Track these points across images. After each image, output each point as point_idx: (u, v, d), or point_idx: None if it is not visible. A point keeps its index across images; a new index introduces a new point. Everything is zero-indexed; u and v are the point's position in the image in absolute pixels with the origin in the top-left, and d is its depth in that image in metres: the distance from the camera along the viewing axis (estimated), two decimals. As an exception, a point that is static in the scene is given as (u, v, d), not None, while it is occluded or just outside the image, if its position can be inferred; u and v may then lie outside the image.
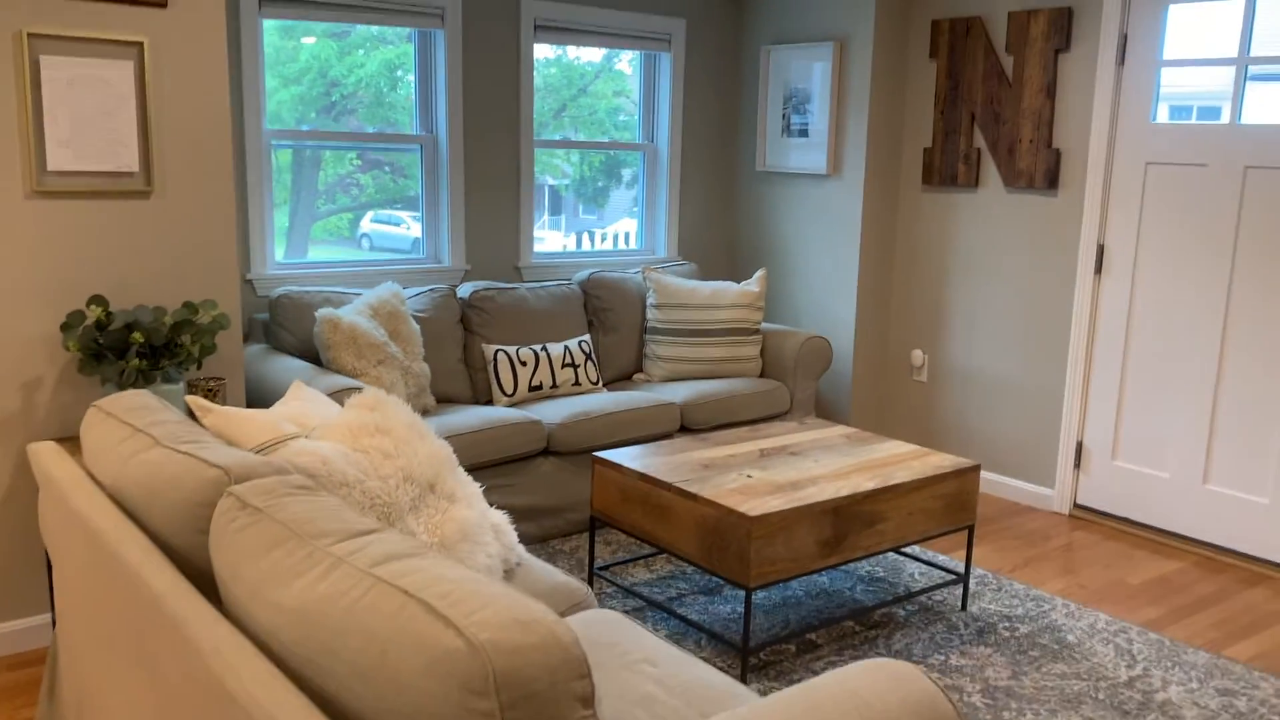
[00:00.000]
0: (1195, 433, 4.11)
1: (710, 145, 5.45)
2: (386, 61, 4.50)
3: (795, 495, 2.98)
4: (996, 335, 4.71)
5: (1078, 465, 4.51)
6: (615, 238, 5.41)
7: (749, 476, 3.14)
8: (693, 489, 2.99)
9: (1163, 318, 4.17)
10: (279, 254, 4.31)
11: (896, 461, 3.38)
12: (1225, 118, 3.94)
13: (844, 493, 3.04)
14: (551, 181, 5.20)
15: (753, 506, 2.86)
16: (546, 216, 5.22)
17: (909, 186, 4.99)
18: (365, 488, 2.02)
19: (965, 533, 3.99)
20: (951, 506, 3.35)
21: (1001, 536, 4.26)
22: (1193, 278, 4.06)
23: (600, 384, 4.45)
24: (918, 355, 5.03)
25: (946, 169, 4.80)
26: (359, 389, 3.40)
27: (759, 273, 4.79)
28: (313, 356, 3.86)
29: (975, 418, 4.83)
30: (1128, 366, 4.30)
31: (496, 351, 4.21)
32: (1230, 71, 3.93)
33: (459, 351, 4.23)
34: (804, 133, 5.10)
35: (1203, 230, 4.02)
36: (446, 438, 3.62)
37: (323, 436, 2.18)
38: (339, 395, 3.33)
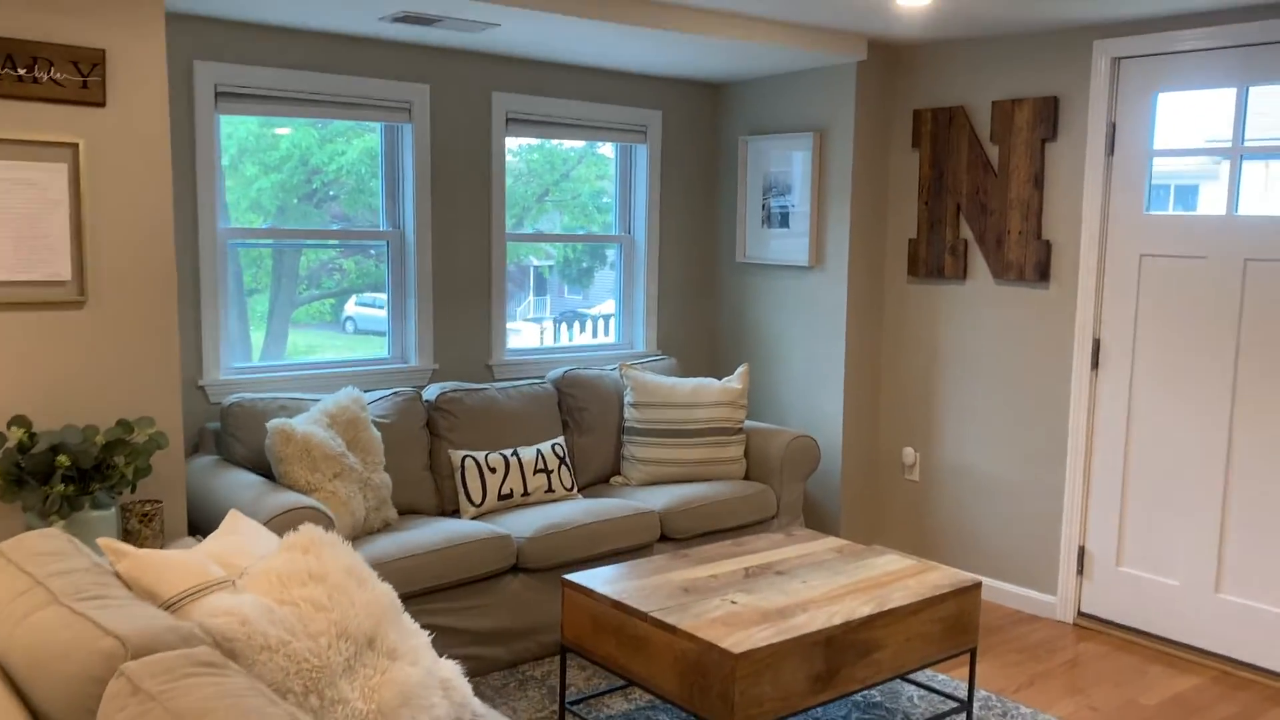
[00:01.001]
0: (1205, 537, 3.88)
1: (688, 236, 5.30)
2: (368, 149, 4.34)
3: (784, 625, 2.73)
4: (991, 432, 4.50)
5: (1080, 571, 4.26)
6: (595, 326, 5.23)
7: (733, 603, 2.88)
8: (671, 619, 2.73)
9: (1166, 414, 3.97)
10: (257, 341, 4.10)
11: (892, 580, 3.13)
12: (1204, 204, 3.79)
13: (837, 620, 2.78)
14: (536, 263, 5.03)
15: (737, 641, 2.60)
16: (531, 298, 5.05)
17: (894, 278, 4.83)
18: (291, 650, 1.77)
19: (967, 655, 3.73)
20: (952, 629, 3.10)
21: (1004, 650, 3.99)
22: (1196, 373, 3.88)
23: (575, 489, 4.20)
24: (909, 453, 4.81)
25: (933, 260, 4.63)
26: (310, 509, 3.14)
27: (741, 368, 4.59)
28: (266, 468, 3.61)
29: (971, 519, 4.60)
30: (1130, 466, 4.09)
31: (464, 458, 3.97)
32: (1217, 157, 3.80)
33: (424, 458, 4.00)
34: (785, 224, 4.95)
35: (1204, 324, 3.84)
36: (405, 558, 3.36)
37: (249, 585, 1.93)
38: (288, 516, 3.08)
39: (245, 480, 3.38)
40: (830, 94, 4.74)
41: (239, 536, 2.29)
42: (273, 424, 3.43)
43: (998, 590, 4.50)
